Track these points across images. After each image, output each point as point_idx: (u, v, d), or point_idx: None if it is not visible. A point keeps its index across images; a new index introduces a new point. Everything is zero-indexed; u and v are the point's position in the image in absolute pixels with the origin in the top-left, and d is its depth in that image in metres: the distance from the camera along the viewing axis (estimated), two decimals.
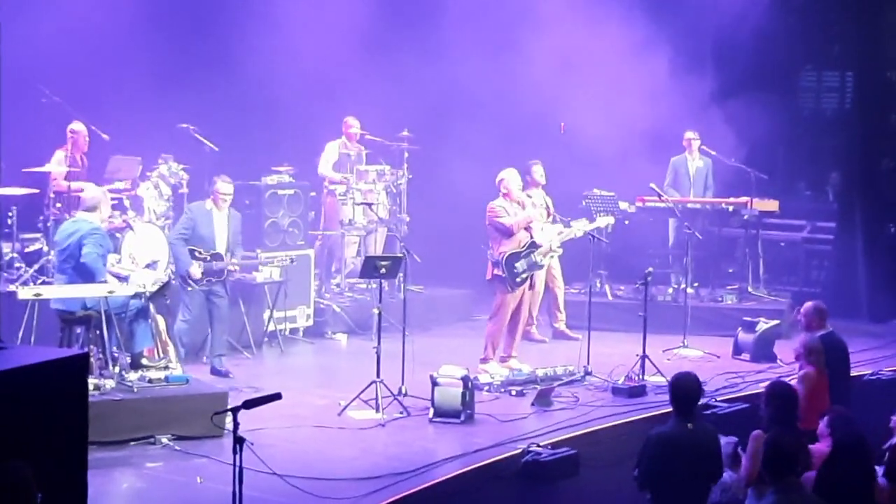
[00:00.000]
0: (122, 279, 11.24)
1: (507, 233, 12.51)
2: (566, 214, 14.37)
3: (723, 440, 8.66)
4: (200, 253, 12.33)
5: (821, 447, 8.48)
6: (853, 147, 17.05)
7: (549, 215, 14.16)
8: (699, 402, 8.72)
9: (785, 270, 17.30)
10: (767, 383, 8.85)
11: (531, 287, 12.84)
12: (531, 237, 12.67)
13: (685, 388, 8.31)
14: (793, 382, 9.70)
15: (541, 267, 12.86)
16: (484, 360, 12.64)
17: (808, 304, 11.28)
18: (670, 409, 8.48)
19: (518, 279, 12.55)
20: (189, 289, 12.34)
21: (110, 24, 14.38)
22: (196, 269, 12.28)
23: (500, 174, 12.78)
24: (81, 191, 12.20)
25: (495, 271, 12.57)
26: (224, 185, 12.49)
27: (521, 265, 12.55)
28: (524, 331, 14.27)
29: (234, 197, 12.61)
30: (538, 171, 14.24)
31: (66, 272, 10.82)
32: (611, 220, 14.47)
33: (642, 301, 12.79)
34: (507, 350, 12.81)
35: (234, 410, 7.29)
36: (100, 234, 10.87)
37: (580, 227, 13.57)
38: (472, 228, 14.56)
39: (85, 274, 10.68)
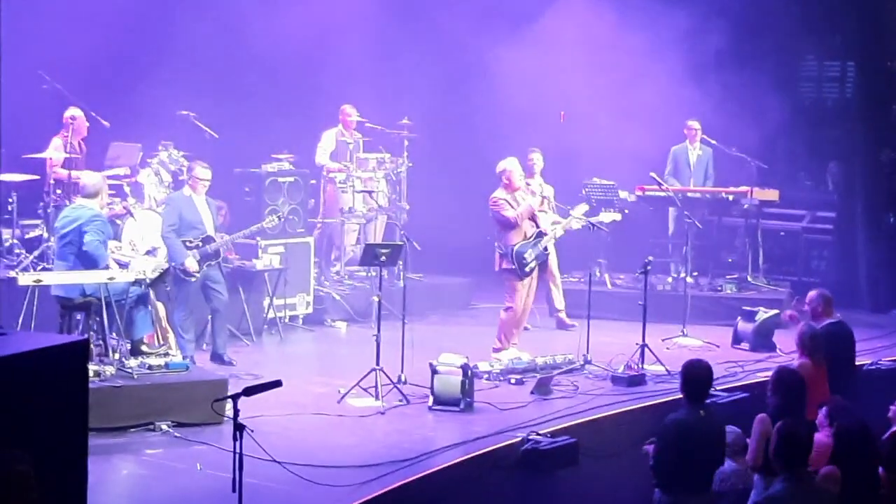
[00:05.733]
0: (123, 266, 11.23)
1: (511, 225, 12.44)
2: (566, 203, 14.31)
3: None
4: (191, 242, 12.12)
5: (820, 437, 8.48)
6: (854, 137, 17.03)
7: (541, 203, 14.06)
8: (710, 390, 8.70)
9: (784, 260, 17.27)
10: (774, 369, 8.79)
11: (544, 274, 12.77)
12: (537, 225, 12.63)
13: (697, 375, 8.32)
14: None
15: (548, 254, 12.81)
16: (497, 350, 12.57)
17: (813, 293, 11.18)
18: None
19: (527, 268, 12.51)
20: (191, 279, 12.09)
21: (110, 10, 14.37)
22: (192, 261, 12.03)
23: (500, 164, 12.67)
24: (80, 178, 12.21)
25: (503, 264, 12.53)
26: (203, 171, 12.24)
27: (529, 255, 12.50)
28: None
29: (235, 184, 12.51)
30: (536, 159, 14.20)
31: (66, 259, 10.81)
32: (617, 216, 14.04)
33: (642, 290, 12.78)
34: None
35: (234, 397, 7.30)
36: (101, 221, 10.86)
37: (577, 216, 13.40)
38: (471, 216, 14.58)
39: (87, 261, 10.68)
